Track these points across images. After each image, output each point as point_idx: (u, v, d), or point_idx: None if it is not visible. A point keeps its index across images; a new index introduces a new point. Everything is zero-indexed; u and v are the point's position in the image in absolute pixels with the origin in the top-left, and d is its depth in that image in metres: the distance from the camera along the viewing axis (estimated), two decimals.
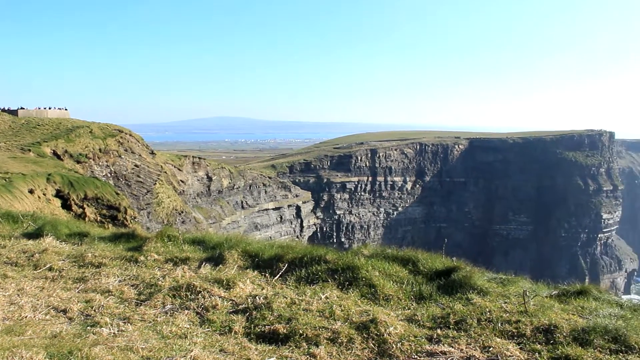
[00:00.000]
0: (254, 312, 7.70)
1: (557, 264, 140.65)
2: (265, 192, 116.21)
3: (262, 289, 8.79)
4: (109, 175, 69.48)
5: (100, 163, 69.09)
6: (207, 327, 7.28)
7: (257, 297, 8.20)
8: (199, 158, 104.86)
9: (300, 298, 8.24)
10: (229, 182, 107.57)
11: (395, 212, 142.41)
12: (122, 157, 74.16)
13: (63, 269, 9.86)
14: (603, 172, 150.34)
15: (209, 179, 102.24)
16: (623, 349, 6.83)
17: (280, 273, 9.54)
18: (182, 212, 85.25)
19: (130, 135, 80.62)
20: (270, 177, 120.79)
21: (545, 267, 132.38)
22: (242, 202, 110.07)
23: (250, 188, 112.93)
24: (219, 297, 8.22)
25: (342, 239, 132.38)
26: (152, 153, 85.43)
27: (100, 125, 77.18)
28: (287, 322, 7.27)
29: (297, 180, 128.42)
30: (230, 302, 8.15)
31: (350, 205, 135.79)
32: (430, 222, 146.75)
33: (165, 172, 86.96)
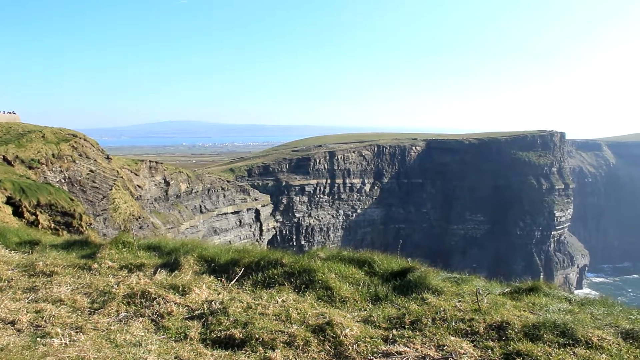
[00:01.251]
0: (210, 318, 7.64)
1: (514, 261, 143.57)
2: (224, 196, 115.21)
3: (219, 294, 8.73)
4: (63, 181, 67.81)
5: (53, 169, 67.37)
6: (163, 334, 7.19)
7: (213, 303, 8.14)
8: (156, 162, 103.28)
9: (257, 302, 8.21)
10: (187, 187, 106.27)
11: (354, 214, 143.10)
12: (77, 162, 72.49)
13: (12, 279, 9.52)
14: (555, 172, 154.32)
15: (167, 183, 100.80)
16: (571, 342, 7.04)
17: (236, 277, 9.50)
18: (139, 217, 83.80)
19: (84, 139, 78.83)
20: (228, 181, 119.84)
21: (502, 265, 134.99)
22: (200, 206, 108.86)
23: (208, 192, 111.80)
24: (175, 304, 8.12)
25: (302, 242, 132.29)
26: (108, 158, 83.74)
27: (53, 129, 75.19)
28: (243, 327, 7.24)
29: (256, 184, 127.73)
30: (186, 308, 8.07)
31: (310, 208, 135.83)
32: (389, 223, 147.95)
33: (122, 177, 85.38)
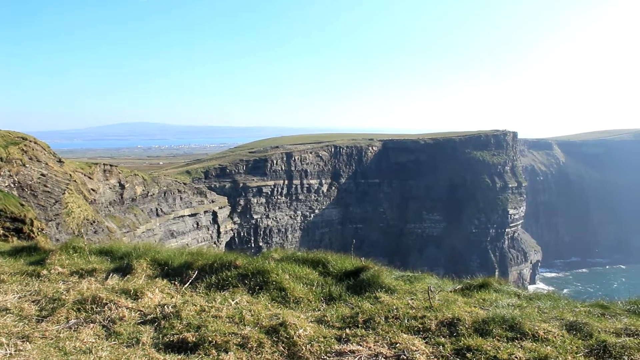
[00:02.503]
0: (163, 322, 7.57)
1: (469, 258, 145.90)
2: (181, 198, 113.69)
3: (172, 297, 8.64)
4: (12, 185, 65.72)
5: (2, 173, 65.18)
6: (114, 340, 7.07)
7: (166, 306, 8.06)
8: (111, 165, 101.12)
9: (210, 305, 8.17)
10: (143, 190, 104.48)
11: (312, 215, 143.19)
12: (27, 166, 70.37)
13: None
14: (508, 170, 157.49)
15: (122, 186, 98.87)
16: (518, 336, 7.25)
17: (190, 280, 9.43)
18: (94, 221, 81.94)
19: (35, 142, 76.48)
20: (185, 183, 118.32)
21: (458, 262, 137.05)
22: (157, 209, 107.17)
23: (165, 195, 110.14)
24: (127, 308, 8.00)
25: (260, 244, 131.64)
26: (60, 161, 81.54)
27: (0, 132, 72.93)
28: (196, 330, 7.19)
29: (212, 186, 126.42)
30: (139, 312, 7.97)
31: (267, 209, 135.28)
32: (347, 223, 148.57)
33: (75, 180, 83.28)
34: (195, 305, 8.13)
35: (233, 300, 8.38)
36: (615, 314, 8.60)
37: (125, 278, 9.56)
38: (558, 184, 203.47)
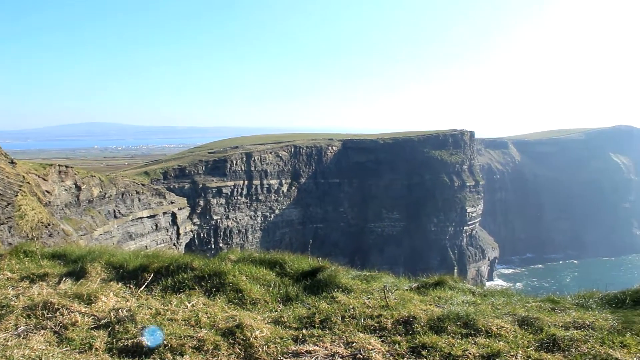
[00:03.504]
0: (117, 326, 7.43)
1: (429, 256, 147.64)
2: (139, 199, 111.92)
3: (127, 301, 8.50)
4: None
5: None
6: (66, 347, 6.90)
7: (120, 310, 7.92)
8: (66, 167, 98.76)
9: (166, 308, 8.08)
10: (100, 191, 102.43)
11: (272, 215, 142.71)
12: None
13: None
14: (466, 169, 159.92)
15: (78, 188, 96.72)
16: (472, 332, 7.39)
17: (145, 283, 9.31)
18: (49, 224, 79.82)
19: None
20: (143, 184, 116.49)
21: (418, 261, 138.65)
22: (114, 211, 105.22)
23: (122, 196, 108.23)
24: (79, 313, 7.82)
25: (220, 245, 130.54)
26: (12, 162, 79.10)
27: None
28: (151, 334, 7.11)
29: (171, 187, 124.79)
30: (92, 317, 7.80)
31: (227, 210, 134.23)
32: (307, 223, 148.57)
33: (29, 182, 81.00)
34: (151, 309, 8.02)
35: (189, 303, 8.31)
36: (564, 308, 8.86)
37: (79, 282, 9.36)
38: (514, 182, 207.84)
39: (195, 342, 6.87)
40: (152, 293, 9.01)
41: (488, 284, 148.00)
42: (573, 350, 6.90)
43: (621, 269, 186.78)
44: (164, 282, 9.33)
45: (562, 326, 7.75)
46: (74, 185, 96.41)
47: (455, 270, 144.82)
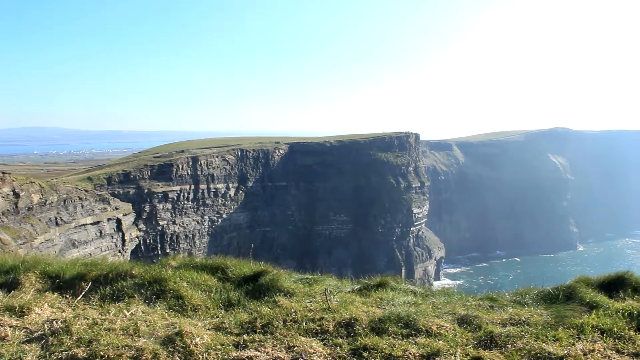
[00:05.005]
0: (51, 339, 7.17)
1: (377, 257, 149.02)
2: (82, 206, 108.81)
3: (62, 312, 8.23)
4: None
5: None
6: None
7: (55, 322, 7.64)
8: (3, 173, 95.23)
9: (104, 317, 7.86)
10: (40, 198, 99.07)
11: (219, 219, 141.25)
12: None
13: None
14: (412, 171, 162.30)
15: (16, 195, 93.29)
16: (413, 332, 7.50)
17: (83, 293, 9.04)
18: None
19: None
20: (87, 190, 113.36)
21: (366, 262, 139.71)
22: (56, 218, 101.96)
23: (64, 203, 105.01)
24: (10, 327, 7.50)
25: (168, 250, 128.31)
26: None
27: None
28: (87, 345, 6.88)
29: (116, 192, 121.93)
30: (24, 330, 7.50)
31: (174, 215, 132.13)
32: (255, 227, 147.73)
33: None
34: (87, 319, 7.79)
35: (128, 311, 8.12)
36: (502, 305, 9.09)
37: (11, 294, 8.99)
38: (458, 183, 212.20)
39: (133, 352, 6.71)
40: (90, 303, 8.76)
41: (435, 283, 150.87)
42: (509, 346, 7.10)
43: (559, 265, 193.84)
44: (103, 291, 9.09)
45: (499, 323, 7.96)
46: (11, 192, 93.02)
47: (403, 271, 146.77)
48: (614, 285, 9.84)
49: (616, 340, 7.31)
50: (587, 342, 7.20)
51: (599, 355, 6.83)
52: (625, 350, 7.04)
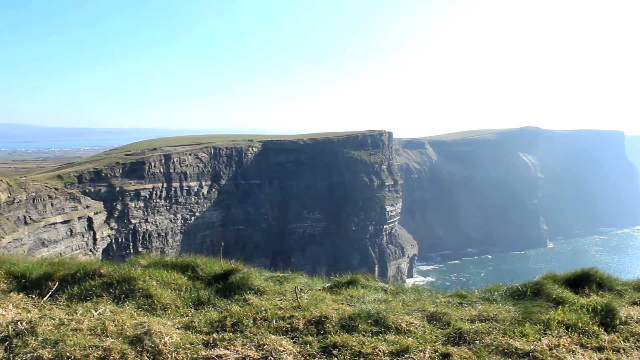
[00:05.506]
0: (15, 340, 7.01)
1: (350, 255, 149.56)
2: (52, 204, 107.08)
3: (28, 312, 8.08)
4: None
5: None
6: None
7: (20, 323, 7.48)
8: None
9: (71, 317, 7.74)
10: (8, 196, 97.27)
11: (192, 218, 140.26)
12: None
13: None
14: (385, 169, 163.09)
15: None
16: (383, 330, 7.55)
17: (50, 293, 8.89)
18: None
19: None
20: (56, 189, 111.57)
21: (340, 260, 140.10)
22: (25, 217, 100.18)
23: (34, 201, 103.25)
24: None
25: (140, 249, 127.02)
26: None
27: None
28: (52, 346, 6.76)
29: (87, 191, 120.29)
30: None
31: (146, 214, 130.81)
32: (229, 225, 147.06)
33: None
34: (54, 319, 7.66)
35: (96, 311, 8.01)
36: (471, 302, 9.21)
37: None
38: (431, 181, 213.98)
39: (100, 352, 6.63)
40: (57, 303, 8.62)
41: (408, 280, 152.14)
42: (478, 342, 7.20)
43: (529, 262, 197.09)
44: (70, 291, 8.95)
45: (468, 320, 8.06)
46: None
47: (376, 268, 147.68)
48: (579, 282, 10.04)
49: (580, 335, 7.48)
50: (553, 337, 7.35)
51: (563, 349, 6.97)
52: (589, 345, 7.22)
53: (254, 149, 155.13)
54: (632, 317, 8.17)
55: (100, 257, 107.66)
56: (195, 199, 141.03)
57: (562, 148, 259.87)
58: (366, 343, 7.08)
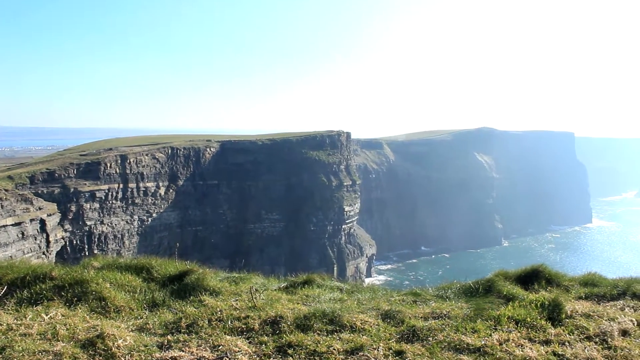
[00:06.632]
0: None
1: (309, 255, 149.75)
2: (2, 206, 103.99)
3: None
4: None
5: None
6: None
7: None
8: None
9: (19, 322, 7.56)
10: None
11: (149, 219, 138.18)
12: None
13: None
14: (343, 169, 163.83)
15: None
16: (338, 328, 7.63)
17: None
18: None
19: None
20: (7, 190, 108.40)
21: (299, 260, 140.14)
22: None
23: None
24: None
25: (95, 251, 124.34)
26: None
27: None
28: (0, 352, 6.63)
29: (40, 192, 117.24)
30: None
31: (102, 215, 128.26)
32: (186, 226, 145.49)
33: None
34: (2, 325, 7.48)
35: (47, 315, 7.85)
36: (425, 299, 9.38)
37: None
38: (389, 181, 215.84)
39: (51, 357, 6.52)
40: (5, 307, 8.40)
41: (367, 280, 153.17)
42: (431, 339, 7.35)
43: (485, 260, 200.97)
44: (19, 295, 8.74)
45: (421, 317, 8.21)
46: None
47: (335, 268, 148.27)
48: (529, 278, 10.33)
49: (529, 330, 7.73)
50: (503, 332, 7.57)
51: (513, 344, 7.20)
52: (537, 339, 7.47)
53: (211, 149, 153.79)
54: (577, 311, 8.48)
55: (54, 260, 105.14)
56: (152, 199, 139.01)
57: (515, 148, 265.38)
58: (321, 342, 7.15)
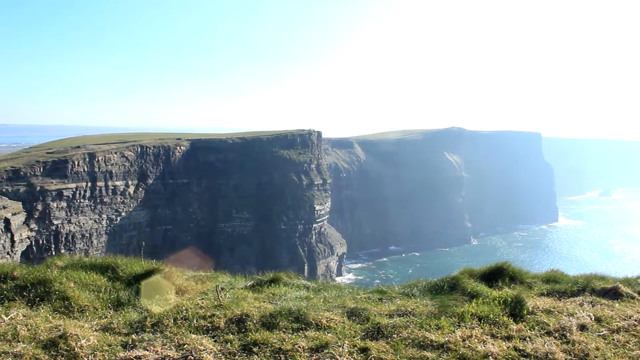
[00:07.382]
0: None
1: (280, 254, 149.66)
2: None
3: None
4: None
5: None
6: None
7: None
8: None
9: None
10: None
11: (118, 218, 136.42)
12: None
13: None
14: (314, 168, 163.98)
15: None
16: (303, 326, 7.68)
17: None
18: None
19: None
20: None
21: (269, 259, 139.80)
22: None
23: None
24: None
25: (62, 251, 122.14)
26: None
27: None
28: None
29: (4, 190, 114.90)
30: None
31: (69, 214, 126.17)
32: (156, 225, 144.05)
33: None
34: None
35: (7, 316, 7.72)
36: (391, 297, 9.49)
37: None
38: (359, 180, 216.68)
39: (10, 359, 6.41)
40: None
41: (337, 279, 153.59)
42: (395, 336, 7.45)
43: (454, 258, 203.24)
44: None
45: (387, 314, 8.32)
46: None
47: (306, 267, 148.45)
48: (494, 275, 10.54)
49: (492, 326, 7.89)
50: (466, 329, 7.73)
51: (475, 340, 7.35)
52: (499, 335, 7.64)
53: (182, 147, 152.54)
54: (538, 307, 8.69)
55: (19, 260, 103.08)
56: (121, 198, 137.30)
57: (484, 148, 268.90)
58: (286, 340, 7.19)
